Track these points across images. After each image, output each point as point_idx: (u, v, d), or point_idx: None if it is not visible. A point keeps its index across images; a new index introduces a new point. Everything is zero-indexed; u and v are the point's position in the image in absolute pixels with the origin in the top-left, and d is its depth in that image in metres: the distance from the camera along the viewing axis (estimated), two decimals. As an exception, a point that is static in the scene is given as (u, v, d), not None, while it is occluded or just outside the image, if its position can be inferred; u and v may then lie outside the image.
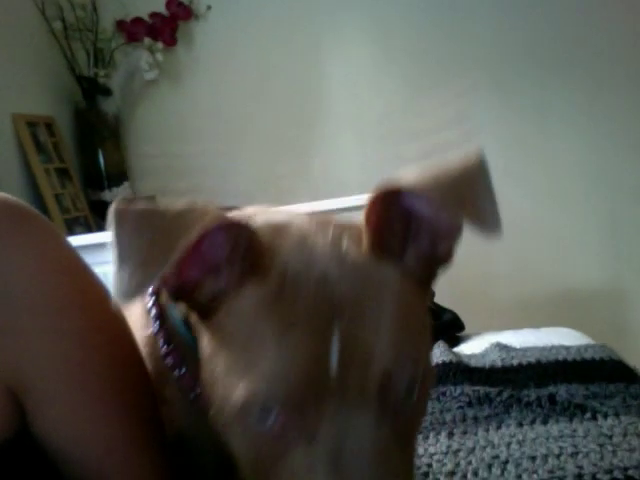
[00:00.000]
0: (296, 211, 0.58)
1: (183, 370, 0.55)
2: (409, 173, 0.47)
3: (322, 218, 0.53)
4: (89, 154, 2.46)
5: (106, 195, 2.41)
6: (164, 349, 0.56)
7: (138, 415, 0.56)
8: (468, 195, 0.45)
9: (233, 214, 0.49)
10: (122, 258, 0.41)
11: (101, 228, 2.35)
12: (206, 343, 0.48)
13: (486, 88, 2.50)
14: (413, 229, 0.50)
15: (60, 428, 0.51)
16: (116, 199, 0.46)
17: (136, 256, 0.41)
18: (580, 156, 2.47)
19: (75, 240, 1.99)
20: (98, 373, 0.53)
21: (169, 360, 0.56)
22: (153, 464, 0.56)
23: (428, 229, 0.49)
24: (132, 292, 0.40)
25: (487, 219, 0.45)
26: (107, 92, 2.44)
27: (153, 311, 0.58)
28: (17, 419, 0.50)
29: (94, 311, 0.54)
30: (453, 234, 0.50)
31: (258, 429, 0.43)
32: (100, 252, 1.94)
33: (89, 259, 1.84)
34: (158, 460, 0.56)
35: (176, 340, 0.56)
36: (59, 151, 2.35)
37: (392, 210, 0.48)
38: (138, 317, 0.60)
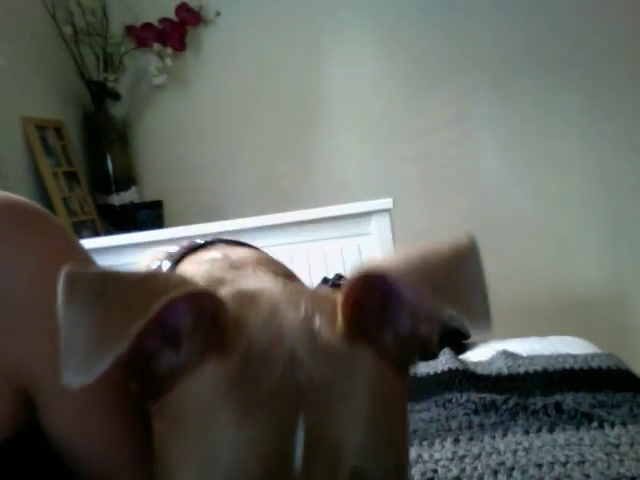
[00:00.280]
0: (268, 277, 0.54)
1: None
2: (394, 256, 0.45)
3: (296, 288, 0.50)
4: (97, 158, 2.47)
5: (114, 199, 2.42)
6: None
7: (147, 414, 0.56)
8: (455, 284, 0.41)
9: (198, 282, 0.43)
10: (71, 334, 0.36)
11: (108, 232, 2.35)
12: (156, 429, 0.43)
13: (486, 88, 2.51)
14: (392, 310, 0.45)
15: (69, 425, 0.52)
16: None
17: (88, 331, 0.36)
18: (581, 158, 2.48)
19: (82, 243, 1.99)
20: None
21: None
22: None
23: (408, 312, 0.45)
24: (83, 375, 0.35)
25: (475, 313, 0.40)
26: (116, 96, 2.45)
27: None
28: (26, 415, 0.51)
29: None
30: (434, 319, 0.45)
31: None
32: (107, 256, 1.96)
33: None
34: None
35: None
36: (67, 154, 2.36)
37: (372, 292, 0.43)
38: None
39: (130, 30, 2.49)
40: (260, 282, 0.50)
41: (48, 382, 0.50)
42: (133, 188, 2.48)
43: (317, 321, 0.43)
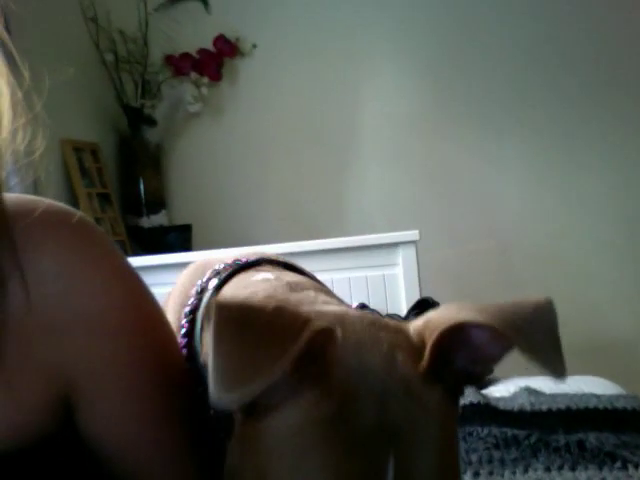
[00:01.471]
0: (336, 303, 0.55)
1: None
2: (476, 307, 0.46)
3: (369, 317, 0.49)
4: (130, 181, 2.53)
5: (144, 221, 2.47)
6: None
7: (185, 417, 0.57)
8: (533, 331, 0.44)
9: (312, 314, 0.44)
10: (225, 358, 0.37)
11: (137, 253, 2.39)
12: (240, 432, 0.45)
13: (513, 126, 2.54)
14: (462, 353, 0.48)
15: (107, 426, 0.53)
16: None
17: (239, 360, 0.37)
18: (610, 194, 2.47)
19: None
20: (146, 375, 0.54)
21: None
22: (197, 466, 0.57)
23: (476, 354, 0.48)
24: (236, 394, 0.36)
25: (553, 363, 0.43)
26: (152, 122, 2.51)
27: (183, 330, 0.60)
28: (63, 415, 0.52)
29: (143, 314, 0.56)
30: (497, 358, 0.48)
31: None
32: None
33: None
34: (202, 462, 0.58)
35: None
36: (102, 176, 2.42)
37: (451, 339, 0.46)
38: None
39: (169, 59, 2.57)
40: (334, 309, 0.50)
41: (92, 383, 0.52)
42: (163, 212, 2.53)
43: (399, 358, 0.45)
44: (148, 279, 1.84)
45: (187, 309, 0.62)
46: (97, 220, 2.30)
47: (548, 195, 2.51)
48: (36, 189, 1.99)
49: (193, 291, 0.64)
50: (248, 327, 0.39)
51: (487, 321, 0.44)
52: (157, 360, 0.56)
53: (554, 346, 0.44)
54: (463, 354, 0.47)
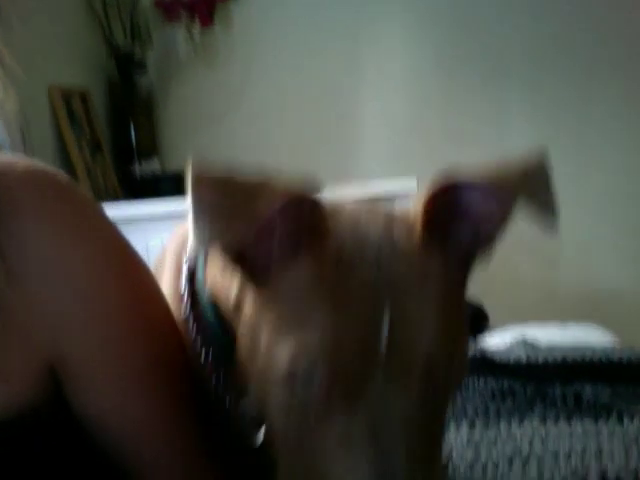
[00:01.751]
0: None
1: (209, 356, 0.57)
2: (468, 167, 0.47)
3: (371, 205, 0.53)
4: (121, 128, 2.47)
5: (135, 169, 2.43)
6: (193, 333, 0.58)
7: (177, 390, 0.56)
8: (523, 183, 0.47)
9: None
10: (201, 211, 0.42)
11: (129, 200, 2.36)
12: (250, 304, 0.49)
13: (520, 82, 2.47)
14: (460, 216, 0.50)
15: (98, 399, 0.52)
16: (189, 165, 0.47)
17: (217, 212, 0.42)
18: (616, 156, 2.43)
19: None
20: (138, 349, 0.53)
21: (197, 344, 0.57)
22: (191, 436, 0.55)
23: (475, 216, 0.50)
24: (210, 239, 0.41)
25: (542, 207, 0.45)
26: (142, 67, 2.44)
27: (186, 296, 0.59)
28: (52, 389, 0.50)
29: (136, 288, 0.54)
30: (499, 220, 0.50)
31: (300, 394, 0.43)
32: (127, 225, 1.96)
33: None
34: (196, 433, 0.56)
35: (203, 326, 0.58)
36: (92, 124, 2.36)
37: (446, 202, 0.49)
38: (170, 302, 0.61)
39: (159, 3, 2.48)
40: (338, 200, 0.54)
41: (77, 356, 0.50)
42: (155, 159, 2.48)
43: (396, 230, 0.48)
44: (140, 229, 1.81)
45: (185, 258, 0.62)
46: (88, 168, 2.25)
47: (556, 154, 2.45)
48: (24, 138, 1.94)
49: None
50: (223, 194, 0.43)
51: (477, 179, 0.46)
52: (149, 332, 0.54)
53: (547, 197, 0.47)
54: (461, 222, 0.50)
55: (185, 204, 0.44)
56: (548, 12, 2.40)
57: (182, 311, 0.59)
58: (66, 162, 2.21)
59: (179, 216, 1.98)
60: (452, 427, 1.06)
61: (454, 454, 0.97)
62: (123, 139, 2.45)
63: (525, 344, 1.41)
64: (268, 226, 0.46)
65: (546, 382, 1.21)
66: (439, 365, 0.45)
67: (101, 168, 2.34)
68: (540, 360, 1.32)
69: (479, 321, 1.59)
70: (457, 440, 1.01)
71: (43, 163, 0.53)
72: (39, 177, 0.50)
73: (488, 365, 1.30)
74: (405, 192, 1.85)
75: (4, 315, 0.46)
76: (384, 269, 0.45)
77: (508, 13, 2.43)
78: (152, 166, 2.45)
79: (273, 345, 0.45)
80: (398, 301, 0.44)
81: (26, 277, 0.47)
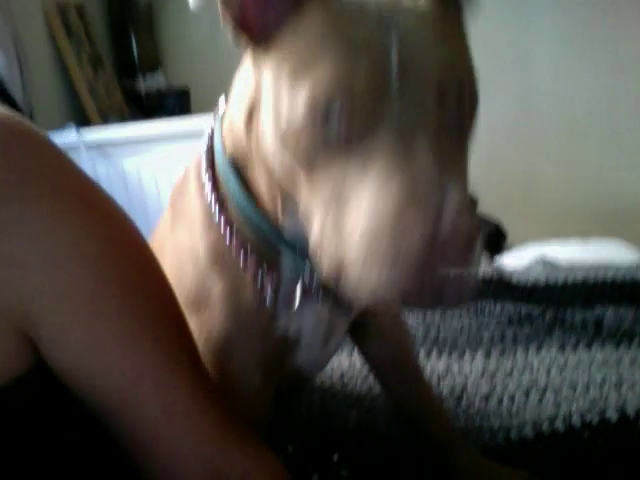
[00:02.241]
0: None
1: (247, 255, 0.58)
2: None
3: None
4: (122, 41, 2.35)
5: (140, 84, 2.33)
6: (227, 237, 0.59)
7: (166, 338, 0.52)
8: None
9: None
10: None
11: (135, 118, 2.28)
12: (267, 72, 0.50)
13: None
14: None
15: (80, 359, 0.48)
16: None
17: None
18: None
19: (111, 132, 1.94)
20: (116, 299, 0.48)
21: (234, 249, 0.59)
22: (187, 386, 0.52)
23: None
24: None
25: None
26: (139, -26, 2.30)
27: (213, 202, 0.60)
28: (29, 355, 0.47)
29: (106, 234, 0.49)
30: None
31: (321, 130, 0.44)
32: (136, 145, 1.90)
33: (124, 152, 1.77)
34: (192, 382, 0.53)
35: (237, 225, 0.59)
36: (91, 38, 2.25)
37: None
38: (200, 214, 0.61)
39: None
40: None
41: (49, 316, 0.46)
42: (159, 71, 2.38)
43: None
44: (148, 148, 1.75)
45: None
46: (90, 85, 2.17)
47: (584, 51, 2.29)
48: (20, 57, 1.85)
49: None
50: None
51: None
52: (131, 283, 0.50)
53: None
54: None
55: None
56: None
57: (214, 219, 0.60)
58: (66, 80, 2.12)
59: (187, 135, 1.91)
60: (467, 355, 1.04)
61: (469, 386, 0.95)
62: (124, 53, 2.33)
63: (544, 263, 1.37)
64: None
65: (566, 306, 1.17)
66: (450, 88, 0.45)
67: (104, 84, 2.25)
68: (560, 281, 1.28)
69: (497, 239, 1.54)
70: (472, 370, 0.99)
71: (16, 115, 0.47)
72: (11, 135, 0.45)
73: (505, 288, 1.26)
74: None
75: None
76: (390, 7, 0.47)
77: None
78: (156, 80, 2.34)
79: (293, 85, 0.46)
80: (406, 34, 0.45)
81: None
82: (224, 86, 0.71)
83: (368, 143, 0.43)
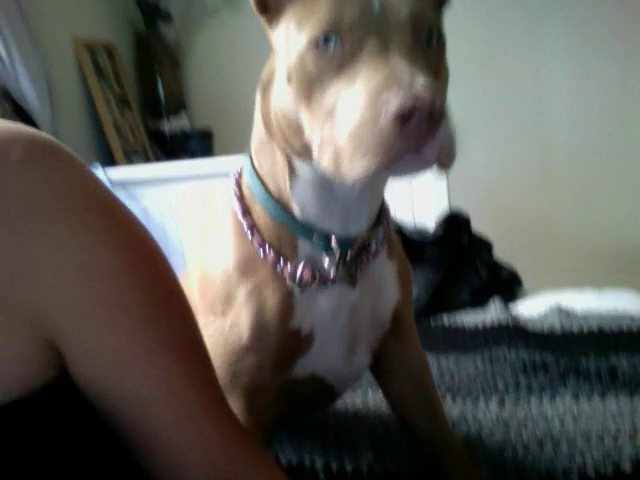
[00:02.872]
0: None
1: (267, 248, 0.67)
2: None
3: None
4: (148, 82, 2.42)
5: (164, 125, 2.39)
6: (249, 235, 0.68)
7: (182, 351, 0.54)
8: None
9: None
10: None
11: (159, 158, 2.34)
12: (279, 33, 0.62)
13: (559, 21, 2.33)
14: None
15: (101, 367, 0.50)
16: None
17: None
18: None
19: (135, 171, 1.99)
20: (138, 312, 0.50)
21: (256, 247, 0.67)
22: (200, 396, 0.54)
23: None
24: None
25: None
26: (167, 18, 2.38)
27: (239, 209, 0.69)
28: (53, 366, 0.49)
29: (130, 249, 0.51)
30: None
31: (321, 55, 0.55)
32: (159, 185, 1.94)
33: (147, 191, 1.80)
34: (205, 392, 0.55)
35: (258, 224, 0.68)
36: (119, 77, 2.32)
37: None
38: (228, 222, 0.70)
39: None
40: None
41: (71, 325, 0.48)
42: (183, 113, 2.44)
43: None
44: (171, 187, 1.79)
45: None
46: (117, 126, 2.23)
47: (598, 98, 2.33)
48: (51, 95, 1.92)
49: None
50: None
51: None
52: (151, 293, 0.52)
53: None
54: None
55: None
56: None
57: (239, 224, 0.69)
58: (94, 119, 2.19)
59: (208, 176, 1.94)
60: (481, 402, 1.05)
61: (483, 434, 0.95)
62: (151, 94, 2.40)
63: (560, 312, 1.37)
64: None
65: (580, 354, 1.17)
66: (421, 27, 0.56)
67: (130, 124, 2.31)
68: (575, 330, 1.29)
69: (512, 286, 1.55)
70: (486, 418, 0.99)
71: (30, 128, 0.50)
72: (13, 139, 0.48)
73: (521, 335, 1.27)
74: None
75: None
76: None
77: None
78: (180, 122, 2.41)
79: (299, 36, 0.58)
80: None
81: (7, 252, 0.45)
82: (246, 129, 0.75)
83: (355, 63, 0.54)
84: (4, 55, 1.77)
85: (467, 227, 1.57)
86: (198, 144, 2.30)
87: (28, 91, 1.86)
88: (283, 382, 0.72)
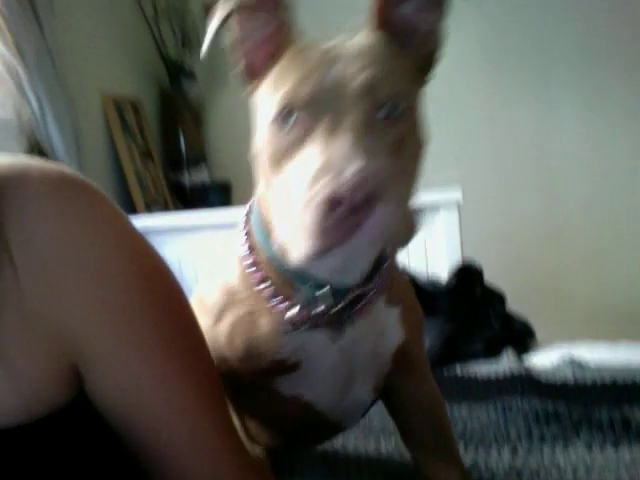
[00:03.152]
0: None
1: (267, 284, 0.69)
2: None
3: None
4: (171, 137, 2.51)
5: (185, 177, 2.47)
6: (251, 270, 0.71)
7: (193, 368, 0.57)
8: None
9: None
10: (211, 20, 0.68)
11: (179, 209, 2.40)
12: (258, 97, 0.67)
13: (568, 76, 2.39)
14: (401, 18, 0.64)
15: (115, 388, 0.53)
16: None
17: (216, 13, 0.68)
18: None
19: (155, 220, 2.04)
20: (151, 331, 0.54)
21: (256, 281, 0.70)
22: (210, 414, 0.57)
23: (412, 19, 0.64)
24: (216, 24, 0.68)
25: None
26: (192, 76, 2.48)
27: (246, 246, 0.72)
28: (74, 386, 0.52)
29: (149, 273, 0.55)
30: (430, 23, 0.65)
31: (281, 130, 0.58)
32: (177, 235, 1.99)
33: (166, 239, 1.85)
34: (215, 410, 0.58)
35: (261, 263, 0.71)
36: (143, 132, 2.41)
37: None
38: (236, 258, 0.73)
39: (208, 10, 2.50)
40: None
41: (97, 348, 0.51)
42: (203, 166, 2.51)
43: (352, 35, 0.64)
44: (189, 237, 1.84)
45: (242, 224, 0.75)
46: (139, 177, 2.31)
47: (607, 155, 2.38)
48: (78, 146, 2.00)
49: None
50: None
51: None
52: (166, 317, 0.55)
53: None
54: (402, 22, 0.64)
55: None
56: (601, 10, 2.33)
57: (245, 260, 0.72)
58: (118, 170, 2.27)
59: (226, 226, 1.99)
60: (494, 451, 1.05)
61: (495, 481, 0.95)
62: (173, 148, 2.49)
63: (572, 363, 1.38)
64: (252, 37, 0.67)
65: (593, 405, 1.18)
66: (380, 97, 0.57)
67: (152, 176, 2.38)
68: (588, 381, 1.29)
69: (525, 338, 1.56)
70: (499, 466, 0.99)
71: (57, 165, 0.54)
72: (53, 179, 0.52)
73: (533, 385, 1.27)
74: (450, 202, 1.83)
75: (23, 317, 0.48)
76: (338, 45, 0.61)
77: (557, 8, 2.38)
78: (200, 174, 2.48)
79: (268, 105, 0.61)
80: (344, 63, 0.59)
81: (39, 274, 0.48)
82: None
83: (307, 142, 0.56)
84: (36, 108, 1.86)
85: (480, 278, 1.59)
86: (217, 196, 2.36)
87: (56, 141, 1.94)
88: (268, 400, 0.75)
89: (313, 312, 0.68)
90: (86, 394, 0.53)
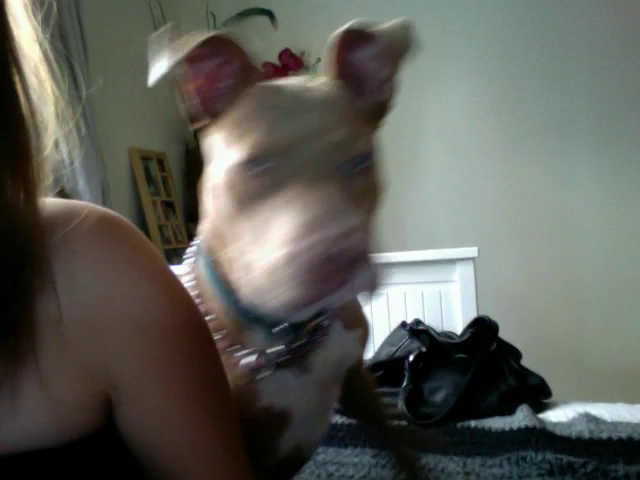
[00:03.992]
0: None
1: (222, 335, 0.68)
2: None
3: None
4: (194, 190, 2.57)
5: (205, 230, 2.51)
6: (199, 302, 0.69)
7: (221, 417, 0.58)
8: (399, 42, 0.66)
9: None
10: (160, 57, 0.65)
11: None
12: (215, 138, 0.64)
13: (583, 139, 2.44)
14: (357, 67, 0.66)
15: (145, 423, 0.54)
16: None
17: (166, 54, 0.64)
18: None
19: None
20: (183, 374, 0.55)
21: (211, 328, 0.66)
22: (236, 460, 0.58)
23: (368, 68, 0.67)
24: (165, 69, 0.64)
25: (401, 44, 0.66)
26: (216, 133, 2.56)
27: (195, 293, 0.70)
28: (105, 415, 0.53)
29: (185, 317, 0.57)
30: (386, 73, 0.68)
31: (248, 176, 0.57)
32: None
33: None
34: (240, 457, 0.59)
35: (213, 311, 0.69)
36: (167, 185, 2.48)
37: (348, 51, 0.66)
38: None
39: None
40: None
41: (132, 383, 0.53)
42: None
43: (312, 81, 0.65)
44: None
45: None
46: (160, 227, 2.36)
47: (622, 211, 2.40)
48: (104, 195, 2.06)
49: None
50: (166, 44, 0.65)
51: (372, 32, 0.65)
52: (199, 360, 0.57)
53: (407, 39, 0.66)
54: (359, 71, 0.66)
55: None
56: (613, 69, 2.42)
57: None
58: (141, 220, 2.32)
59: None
60: (507, 501, 1.03)
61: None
62: (195, 201, 2.53)
63: (589, 418, 1.36)
64: (211, 74, 0.65)
65: (609, 459, 1.15)
66: (349, 154, 0.58)
67: (173, 228, 2.44)
68: (604, 436, 1.27)
69: (540, 395, 1.54)
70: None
71: (103, 208, 0.58)
72: (100, 222, 0.55)
73: (548, 438, 1.26)
74: (465, 257, 1.85)
75: (61, 346, 0.50)
76: (302, 93, 0.61)
77: (572, 72, 2.46)
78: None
79: (227, 151, 0.60)
80: (312, 113, 0.59)
81: (84, 310, 0.51)
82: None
83: (284, 188, 0.55)
84: (66, 159, 1.93)
85: (495, 332, 1.59)
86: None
87: (83, 191, 2.01)
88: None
89: (270, 351, 0.67)
90: (115, 423, 0.55)
